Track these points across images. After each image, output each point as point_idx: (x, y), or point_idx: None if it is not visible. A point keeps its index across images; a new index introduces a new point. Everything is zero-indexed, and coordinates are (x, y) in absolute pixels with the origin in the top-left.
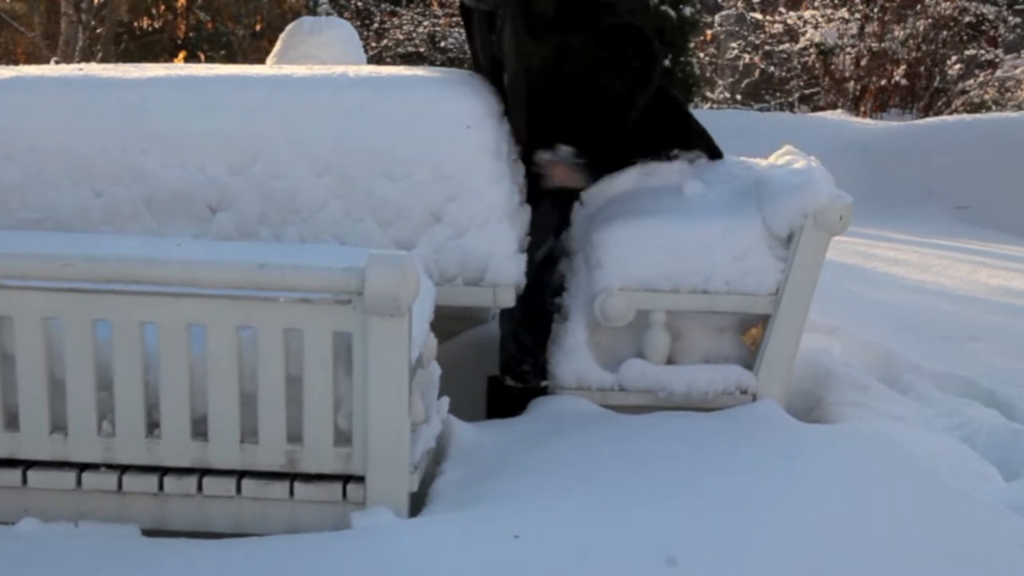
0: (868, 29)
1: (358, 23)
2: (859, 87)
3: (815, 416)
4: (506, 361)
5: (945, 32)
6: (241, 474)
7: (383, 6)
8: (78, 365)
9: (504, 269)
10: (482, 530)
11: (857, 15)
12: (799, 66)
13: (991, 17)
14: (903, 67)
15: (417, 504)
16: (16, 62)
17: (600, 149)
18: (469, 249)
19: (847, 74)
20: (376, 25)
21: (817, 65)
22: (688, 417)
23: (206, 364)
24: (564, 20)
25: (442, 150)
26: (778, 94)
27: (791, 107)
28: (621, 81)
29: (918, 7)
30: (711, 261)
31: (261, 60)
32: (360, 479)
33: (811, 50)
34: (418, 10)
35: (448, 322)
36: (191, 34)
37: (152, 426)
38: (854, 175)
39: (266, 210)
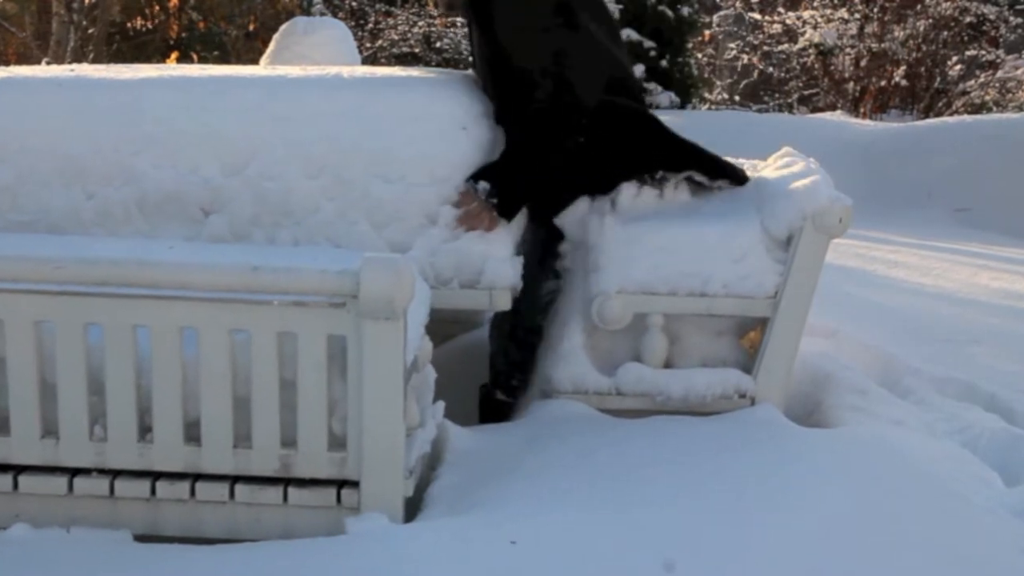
0: (868, 29)
1: (352, 23)
2: (859, 88)
3: (814, 420)
4: (495, 376)
5: (946, 32)
6: (234, 479)
7: (378, 6)
8: (70, 369)
9: (500, 272)
10: (478, 536)
11: (857, 15)
12: (798, 67)
13: (992, 17)
14: (903, 68)
15: (412, 509)
16: (7, 63)
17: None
18: (465, 252)
19: (847, 75)
20: (371, 25)
21: (816, 66)
22: (686, 421)
23: (199, 368)
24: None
25: (437, 152)
26: (777, 95)
27: (790, 108)
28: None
29: (918, 7)
30: (709, 264)
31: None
32: (355, 484)
33: (810, 51)
34: (413, 10)
35: (444, 325)
36: (184, 34)
37: (144, 430)
38: (854, 177)
39: (259, 212)
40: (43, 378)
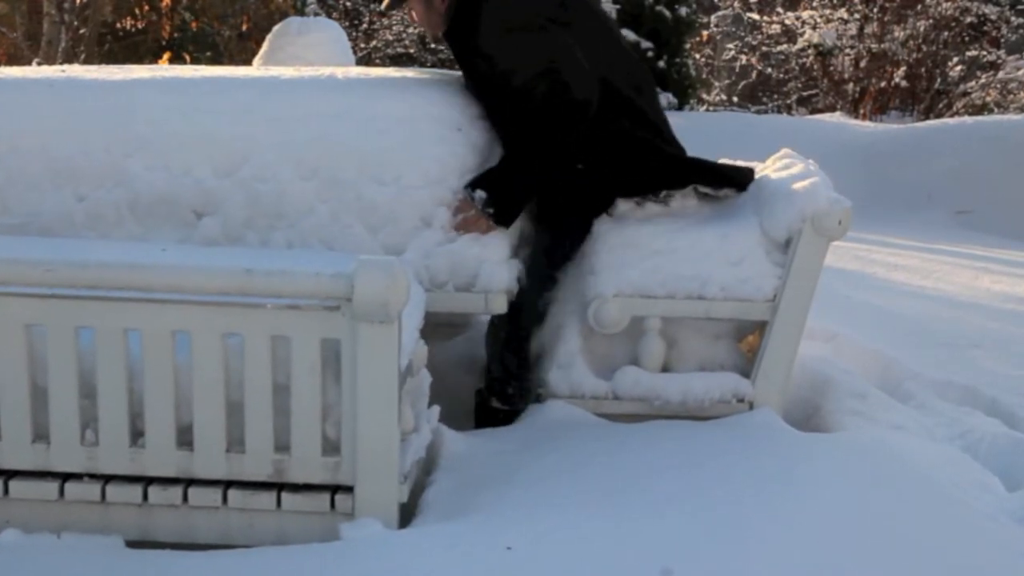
0: (867, 30)
1: (347, 24)
2: (858, 89)
3: (813, 425)
4: (490, 383)
5: (946, 33)
6: (227, 484)
7: (372, 6)
8: (61, 373)
9: (496, 275)
10: (473, 541)
11: (856, 15)
12: (797, 67)
13: (993, 17)
14: (903, 68)
15: (407, 515)
16: None
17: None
18: (460, 255)
19: (846, 76)
20: (365, 26)
21: (815, 66)
22: (684, 426)
23: (191, 372)
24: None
25: (432, 153)
26: (776, 96)
27: (789, 109)
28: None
29: (918, 7)
30: (707, 267)
31: (248, 61)
32: (349, 489)
33: (809, 51)
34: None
35: (439, 329)
36: (176, 35)
37: (136, 435)
38: (853, 179)
39: (253, 214)
40: (34, 382)
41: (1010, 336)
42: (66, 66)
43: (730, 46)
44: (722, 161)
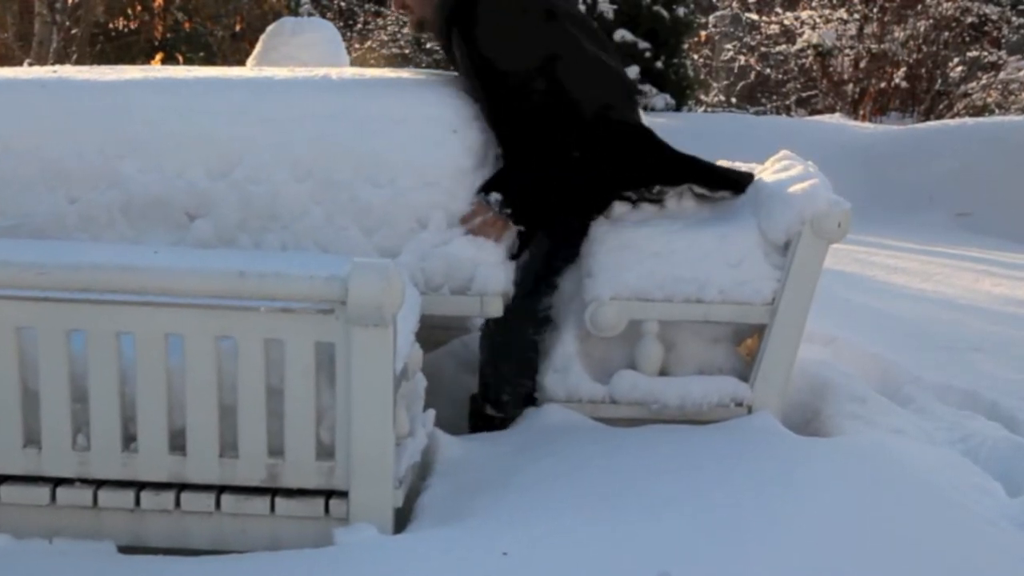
0: (867, 30)
1: (341, 24)
2: (858, 90)
3: (812, 429)
4: (484, 389)
5: (947, 33)
6: (220, 489)
7: (367, 6)
8: (52, 376)
9: (492, 278)
10: (469, 547)
11: (856, 15)
12: (796, 68)
13: (994, 17)
14: (903, 69)
15: (402, 520)
16: None
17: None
18: (455, 257)
19: (846, 76)
20: (360, 26)
21: (815, 67)
22: (682, 430)
23: (184, 375)
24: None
25: (427, 155)
26: (774, 97)
27: (788, 110)
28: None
29: (919, 7)
30: (705, 269)
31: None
32: (343, 494)
33: (808, 52)
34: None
35: (434, 332)
36: (169, 35)
37: (128, 439)
38: (853, 180)
39: (246, 216)
40: (25, 386)
41: (1011, 339)
42: (58, 67)
43: (728, 46)
44: (721, 163)
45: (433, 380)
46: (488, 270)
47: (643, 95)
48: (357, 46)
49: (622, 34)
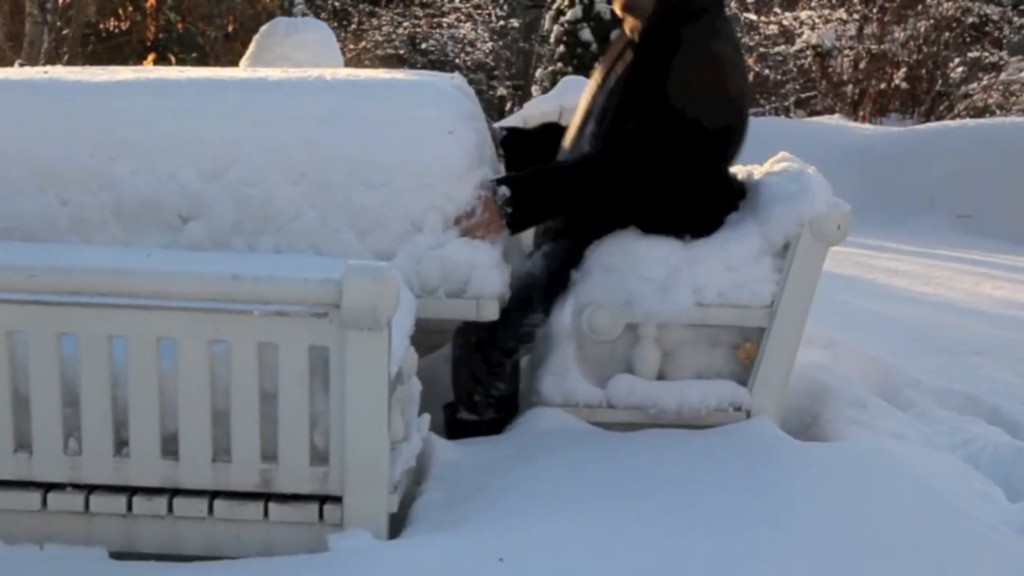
0: (867, 30)
1: (335, 24)
2: (858, 91)
3: (812, 434)
4: (457, 390)
5: (947, 33)
6: (213, 494)
7: (361, 7)
8: (43, 381)
9: (487, 281)
10: (464, 553)
11: (856, 16)
12: (795, 69)
13: (995, 18)
14: (903, 70)
15: (397, 526)
16: None
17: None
18: (451, 260)
19: (845, 77)
20: (354, 26)
21: (814, 68)
22: (679, 435)
23: (177, 380)
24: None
25: (423, 156)
26: (773, 98)
27: (787, 111)
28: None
29: (919, 7)
30: (703, 272)
31: (234, 63)
32: (337, 499)
33: (808, 52)
34: (398, 11)
35: (429, 335)
36: (161, 35)
37: (120, 444)
38: (852, 182)
39: (239, 219)
40: (16, 390)
41: (1012, 343)
42: (49, 67)
43: None
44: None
45: (428, 384)
46: (484, 273)
47: None
48: (351, 47)
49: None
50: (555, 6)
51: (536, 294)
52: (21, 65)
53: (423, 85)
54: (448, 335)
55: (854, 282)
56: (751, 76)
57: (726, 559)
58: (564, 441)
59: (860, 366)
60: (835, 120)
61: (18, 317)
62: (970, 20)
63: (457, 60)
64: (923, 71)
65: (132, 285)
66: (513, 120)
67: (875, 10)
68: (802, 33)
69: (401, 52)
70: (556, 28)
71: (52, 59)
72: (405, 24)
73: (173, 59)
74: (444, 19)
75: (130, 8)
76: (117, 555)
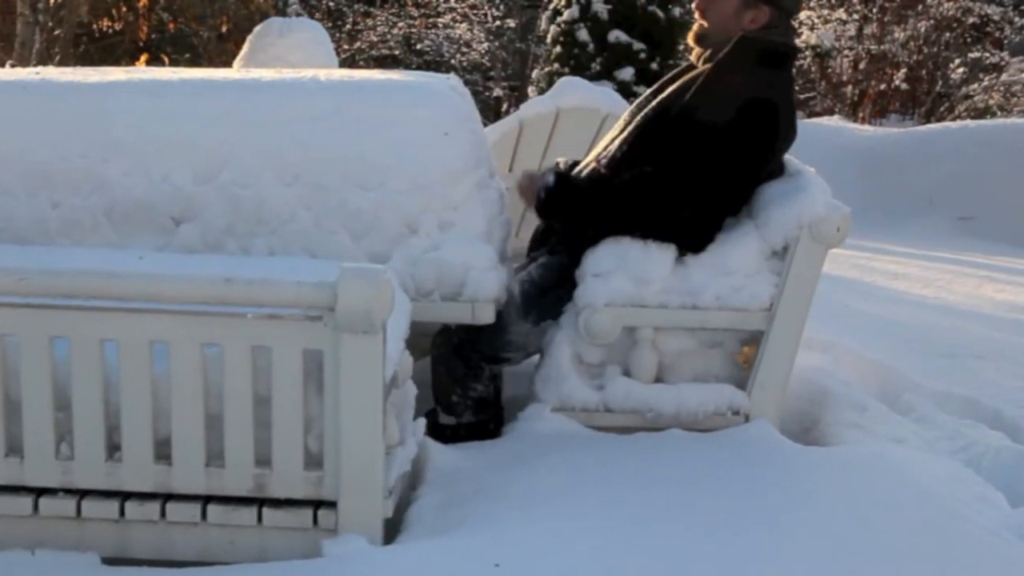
0: (867, 30)
1: (329, 24)
2: (857, 91)
3: (811, 438)
4: (436, 392)
5: (948, 34)
6: (206, 499)
7: (356, 7)
8: (34, 384)
9: (483, 283)
10: (460, 558)
11: (855, 16)
12: (794, 69)
13: (996, 18)
14: (903, 70)
15: (392, 531)
16: None
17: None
18: (446, 262)
19: (845, 78)
20: (349, 27)
21: (813, 68)
22: (677, 439)
23: (170, 383)
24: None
25: (418, 158)
26: None
27: None
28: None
29: (919, 7)
30: (701, 275)
31: (227, 63)
32: (332, 504)
33: (807, 53)
34: (393, 11)
35: (424, 339)
36: (154, 36)
37: (113, 449)
38: (852, 184)
39: (233, 221)
40: (7, 394)
41: (1013, 346)
42: (40, 68)
43: None
44: None
45: (423, 388)
46: (480, 275)
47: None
48: (346, 47)
49: (617, 35)
50: (552, 6)
51: (526, 303)
52: (12, 66)
53: (418, 86)
54: None
55: (854, 285)
56: None
57: (725, 561)
58: (560, 445)
59: (860, 369)
60: (835, 121)
61: (9, 320)
62: (971, 20)
63: (453, 61)
64: (923, 72)
65: (124, 288)
66: (510, 121)
67: (875, 10)
68: (801, 33)
69: (396, 53)
70: (553, 28)
71: (44, 60)
72: (400, 24)
73: (166, 60)
74: (439, 19)
75: (123, 8)
76: (109, 561)
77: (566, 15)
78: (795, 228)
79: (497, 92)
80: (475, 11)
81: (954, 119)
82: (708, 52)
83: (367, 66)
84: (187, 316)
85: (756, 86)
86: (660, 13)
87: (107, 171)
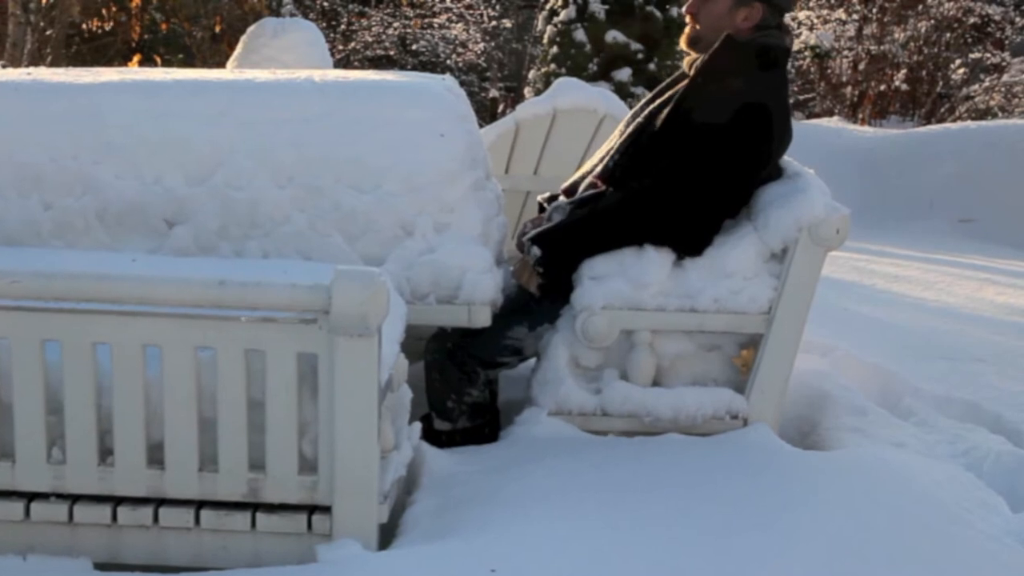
0: (866, 31)
1: (324, 24)
2: (857, 93)
3: (811, 442)
4: (430, 397)
5: (948, 34)
6: (200, 504)
7: (351, 7)
8: (26, 388)
9: (479, 286)
10: (456, 563)
11: (855, 16)
12: (793, 70)
13: (997, 18)
14: (904, 71)
15: (387, 536)
16: None
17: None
18: (442, 265)
19: (844, 79)
20: (343, 27)
21: (812, 69)
22: (675, 443)
23: (162, 387)
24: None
25: (413, 159)
26: None
27: None
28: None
29: (920, 7)
30: (699, 278)
31: (221, 64)
32: (326, 509)
33: (806, 53)
34: (388, 11)
35: (420, 342)
36: (146, 36)
37: (105, 453)
38: (852, 186)
39: (226, 223)
40: None
41: (1014, 350)
42: (32, 69)
43: None
44: None
45: (419, 392)
46: (476, 278)
47: (635, 97)
48: (341, 47)
49: (614, 35)
50: (548, 6)
51: (524, 307)
52: (3, 66)
53: (414, 87)
54: None
55: (853, 287)
56: None
57: (722, 566)
58: (558, 450)
59: (859, 373)
60: (834, 122)
61: (0, 323)
62: (972, 20)
63: (448, 61)
64: (924, 72)
65: (117, 291)
66: (506, 122)
67: (875, 10)
68: (800, 34)
69: (391, 53)
70: (549, 29)
71: (35, 60)
72: (395, 25)
73: (159, 60)
74: (435, 19)
75: (115, 8)
76: (101, 566)
77: (563, 15)
78: (794, 230)
79: (493, 93)
80: (471, 11)
81: (955, 120)
82: (700, 59)
83: (362, 67)
84: (180, 319)
85: (749, 90)
86: (658, 13)
87: (99, 173)
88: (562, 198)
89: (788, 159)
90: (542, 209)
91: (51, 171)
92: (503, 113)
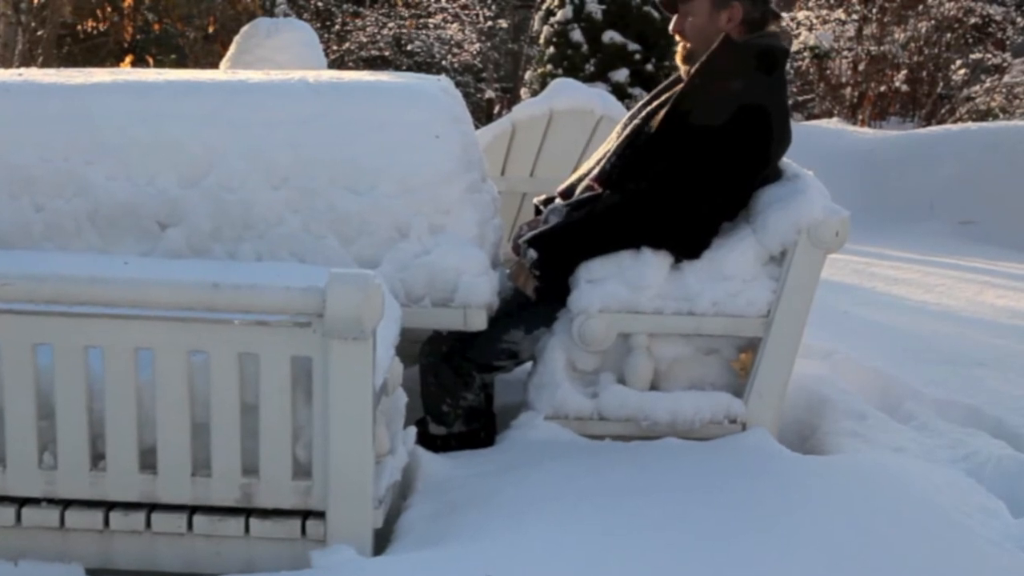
0: (866, 31)
1: (318, 25)
2: (857, 93)
3: (809, 447)
4: (425, 402)
5: (949, 34)
6: (192, 509)
7: (345, 7)
8: (17, 392)
9: (475, 288)
10: (451, 568)
11: (854, 16)
12: (792, 71)
13: (998, 18)
14: (904, 72)
15: (382, 541)
16: None
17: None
18: (437, 267)
19: (844, 80)
20: (338, 27)
21: (812, 70)
22: (673, 447)
23: (155, 391)
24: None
25: (408, 161)
26: None
27: None
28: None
29: (920, 7)
30: (697, 281)
31: (214, 64)
32: (320, 515)
33: (805, 54)
34: (383, 11)
35: (415, 346)
36: (139, 37)
37: (97, 458)
38: (851, 187)
39: (220, 225)
40: None
41: (1015, 353)
42: (23, 69)
43: None
44: None
45: (414, 396)
46: (471, 280)
47: (633, 98)
48: (335, 48)
49: (611, 36)
50: (544, 6)
51: (520, 311)
52: None
53: (409, 88)
54: None
55: (853, 290)
56: None
57: (720, 570)
58: (554, 454)
59: (859, 377)
60: (834, 124)
61: None
62: (972, 21)
63: (444, 62)
64: (924, 73)
65: (109, 294)
66: (502, 123)
67: (874, 10)
68: (799, 34)
69: (386, 54)
70: (546, 29)
71: (27, 61)
72: (390, 25)
73: (151, 61)
74: (430, 20)
75: (107, 8)
76: (93, 572)
77: (559, 15)
78: (793, 232)
79: (489, 94)
80: (467, 11)
81: (955, 121)
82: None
83: (356, 67)
84: (173, 322)
85: (748, 91)
86: (655, 14)
87: (91, 174)
88: (558, 200)
89: (787, 161)
90: (538, 212)
91: (42, 172)
92: (499, 114)
